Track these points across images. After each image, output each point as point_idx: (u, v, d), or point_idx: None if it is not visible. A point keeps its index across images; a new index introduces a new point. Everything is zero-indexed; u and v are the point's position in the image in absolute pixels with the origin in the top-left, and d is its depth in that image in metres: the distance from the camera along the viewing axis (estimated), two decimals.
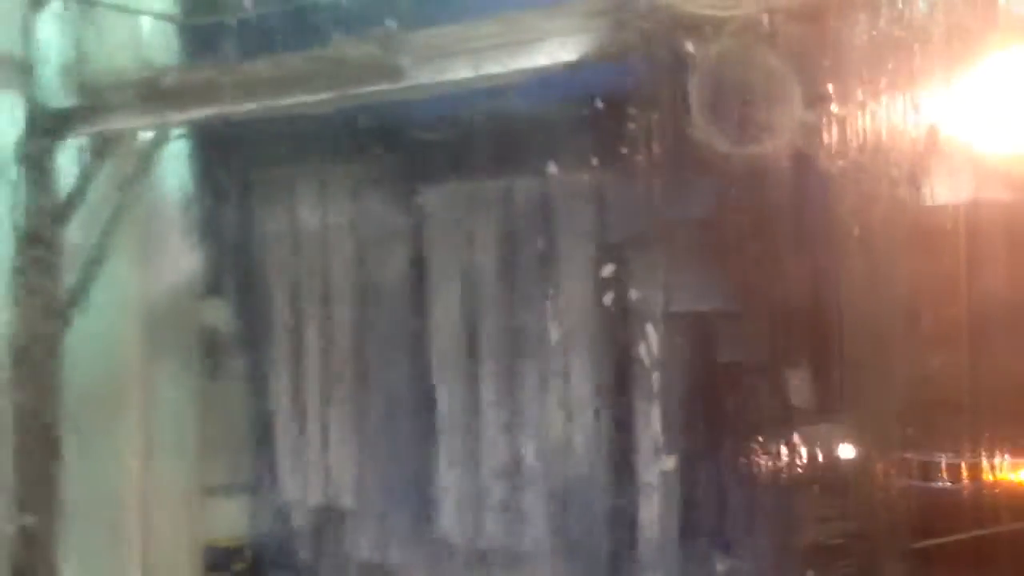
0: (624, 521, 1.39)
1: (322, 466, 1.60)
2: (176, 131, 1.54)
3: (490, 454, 1.46)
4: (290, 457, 1.62)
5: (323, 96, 1.31)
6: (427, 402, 1.50)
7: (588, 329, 1.37)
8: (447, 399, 1.48)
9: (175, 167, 1.59)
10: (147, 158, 1.54)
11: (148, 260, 1.58)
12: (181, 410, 1.62)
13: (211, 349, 1.64)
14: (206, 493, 1.64)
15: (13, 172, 1.48)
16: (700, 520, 1.36)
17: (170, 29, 1.54)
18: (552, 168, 1.36)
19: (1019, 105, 1.05)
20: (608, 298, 1.34)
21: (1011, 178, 1.10)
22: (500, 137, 1.36)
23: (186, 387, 1.63)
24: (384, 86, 1.27)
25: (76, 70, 1.47)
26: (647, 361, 1.31)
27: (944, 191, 1.12)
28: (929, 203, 1.14)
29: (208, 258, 1.61)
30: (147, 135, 1.53)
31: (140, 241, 1.58)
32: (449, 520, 1.48)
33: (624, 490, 1.39)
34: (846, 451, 1.25)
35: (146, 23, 1.52)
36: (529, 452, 1.43)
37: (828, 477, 1.25)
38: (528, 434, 1.43)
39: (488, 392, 1.46)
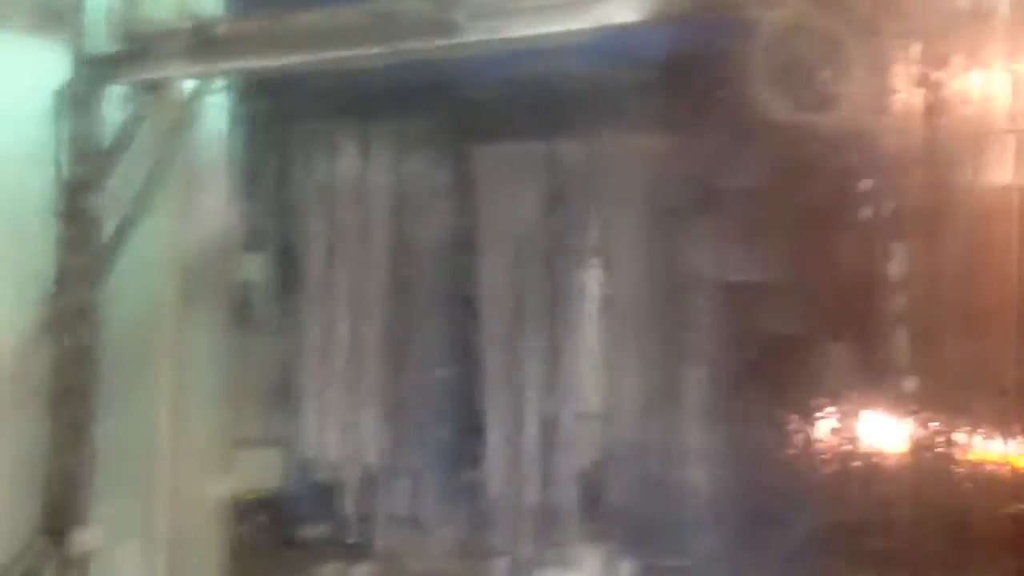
0: (667, 488, 1.39)
1: (353, 421, 1.61)
2: (221, 82, 1.54)
3: (529, 415, 1.46)
4: (321, 412, 1.62)
5: (374, 51, 1.30)
6: (464, 362, 1.50)
7: (636, 295, 1.37)
8: (486, 359, 1.48)
9: (218, 119, 1.58)
10: (191, 108, 1.54)
11: (187, 211, 1.58)
12: (214, 363, 1.62)
13: (247, 303, 1.64)
14: (236, 445, 1.64)
15: (58, 117, 1.48)
16: (743, 493, 1.35)
17: None
18: (605, 131, 1.35)
19: None
20: (658, 264, 1.34)
21: None
22: (553, 98, 1.35)
23: (220, 340, 1.63)
24: (437, 43, 1.26)
25: (123, 16, 1.46)
26: (697, 329, 1.31)
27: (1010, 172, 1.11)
28: (995, 183, 1.12)
29: (247, 212, 1.61)
30: (191, 85, 1.53)
31: (180, 192, 1.57)
32: (481, 478, 1.49)
33: (669, 457, 1.39)
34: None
35: None
36: (569, 415, 1.43)
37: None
38: (569, 397, 1.43)
39: (528, 354, 1.46)
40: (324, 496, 1.61)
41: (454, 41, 1.24)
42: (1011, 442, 1.12)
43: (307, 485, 1.63)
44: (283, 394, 1.64)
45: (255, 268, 1.64)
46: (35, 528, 1.51)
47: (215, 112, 1.56)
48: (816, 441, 1.27)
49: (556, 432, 1.46)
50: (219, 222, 1.60)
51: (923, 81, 1.10)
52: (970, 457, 1.13)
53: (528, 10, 1.22)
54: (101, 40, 1.47)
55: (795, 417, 1.26)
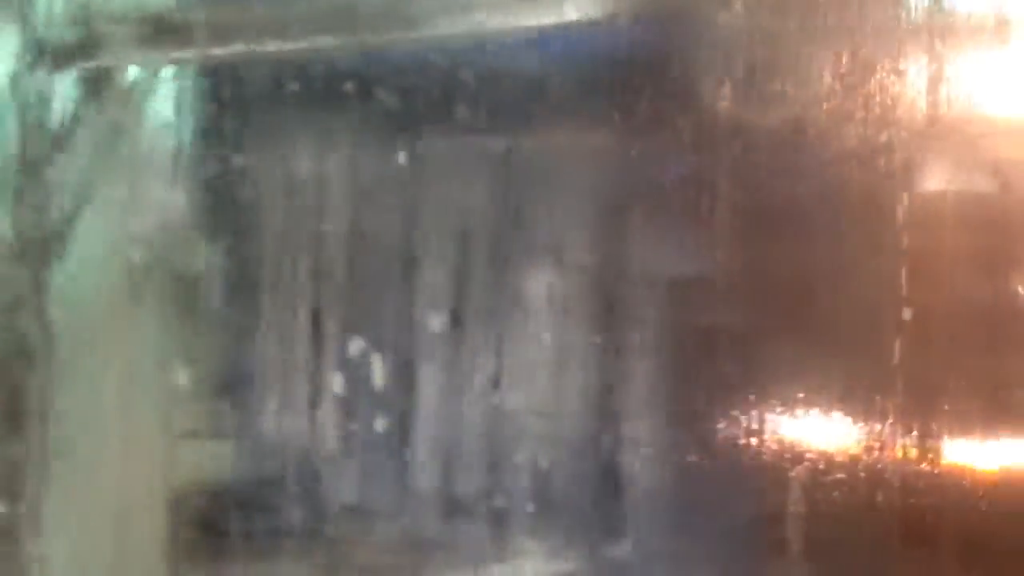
0: (602, 479, 1.41)
1: (302, 413, 1.61)
2: (172, 70, 1.53)
3: (473, 408, 1.47)
4: (270, 403, 1.62)
5: (332, 43, 1.31)
6: (414, 353, 1.51)
7: (580, 289, 1.38)
8: (435, 351, 1.48)
9: (168, 106, 1.58)
10: (141, 96, 1.53)
11: (136, 200, 1.57)
12: (163, 354, 1.61)
13: (195, 293, 1.63)
14: (185, 437, 1.64)
15: (6, 103, 1.47)
16: (684, 484, 1.38)
17: None
18: (555, 126, 1.36)
19: None
20: (602, 259, 1.36)
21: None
22: (506, 92, 1.36)
23: (168, 331, 1.63)
24: (396, 35, 1.27)
25: (75, 3, 1.45)
26: (637, 323, 1.32)
27: (949, 176, 1.14)
28: (936, 188, 1.16)
29: (196, 201, 1.60)
30: (143, 72, 1.52)
31: (129, 180, 1.57)
32: (429, 468, 1.49)
33: (605, 449, 1.41)
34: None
35: None
36: (512, 408, 1.44)
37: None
38: (512, 391, 1.45)
39: (473, 348, 1.47)
40: (273, 488, 1.61)
41: (413, 34, 1.26)
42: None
43: (255, 477, 1.63)
44: (232, 385, 1.64)
45: (204, 257, 1.63)
46: None
47: (167, 100, 1.55)
48: (764, 436, 1.29)
49: (504, 424, 1.47)
50: (169, 212, 1.59)
51: (869, 83, 1.13)
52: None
53: (486, 5, 1.24)
54: (53, 26, 1.46)
55: (742, 413, 1.28)
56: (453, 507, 1.47)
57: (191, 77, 1.52)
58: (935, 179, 1.15)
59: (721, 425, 1.24)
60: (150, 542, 1.58)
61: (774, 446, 1.22)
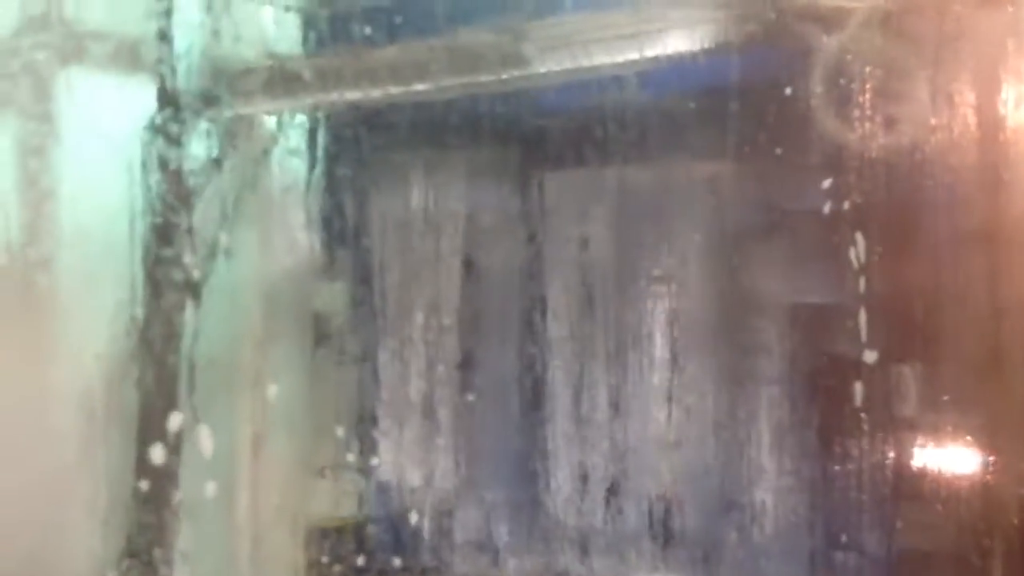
0: (734, 516, 1.40)
1: (430, 449, 1.64)
2: (301, 117, 1.59)
3: (600, 442, 1.48)
4: (399, 440, 1.65)
5: (449, 83, 1.34)
6: (539, 388, 1.52)
7: (704, 319, 1.38)
8: (559, 386, 1.50)
9: (298, 152, 1.64)
10: (271, 143, 1.59)
11: (267, 243, 1.63)
12: (294, 392, 1.66)
13: (325, 332, 1.68)
14: (316, 473, 1.68)
15: (144, 153, 1.54)
16: (817, 520, 1.36)
17: (296, 18, 1.59)
18: (672, 157, 1.37)
19: None
20: (726, 288, 1.36)
21: None
22: (620, 126, 1.38)
23: (300, 369, 1.67)
24: (508, 75, 1.30)
25: (207, 54, 1.52)
26: (765, 352, 1.32)
27: None
28: None
29: (325, 243, 1.65)
30: (271, 121, 1.58)
31: (261, 224, 1.63)
32: (558, 504, 1.51)
33: (738, 484, 1.40)
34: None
35: (272, 11, 1.57)
36: (640, 441, 1.45)
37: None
38: (640, 423, 1.45)
39: (601, 381, 1.48)
40: (402, 524, 1.64)
41: (525, 72, 1.28)
42: None
43: (385, 513, 1.66)
44: (362, 422, 1.68)
45: (335, 297, 1.68)
46: (121, 551, 1.56)
47: (295, 146, 1.61)
48: (891, 465, 1.27)
49: (628, 460, 1.47)
50: (300, 253, 1.65)
51: (976, 105, 1.11)
52: None
53: (594, 40, 1.26)
54: (186, 77, 1.53)
55: (868, 440, 1.26)
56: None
57: (320, 123, 1.58)
58: None
59: None
60: (283, 574, 1.62)
61: None
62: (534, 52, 1.29)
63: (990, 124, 1.10)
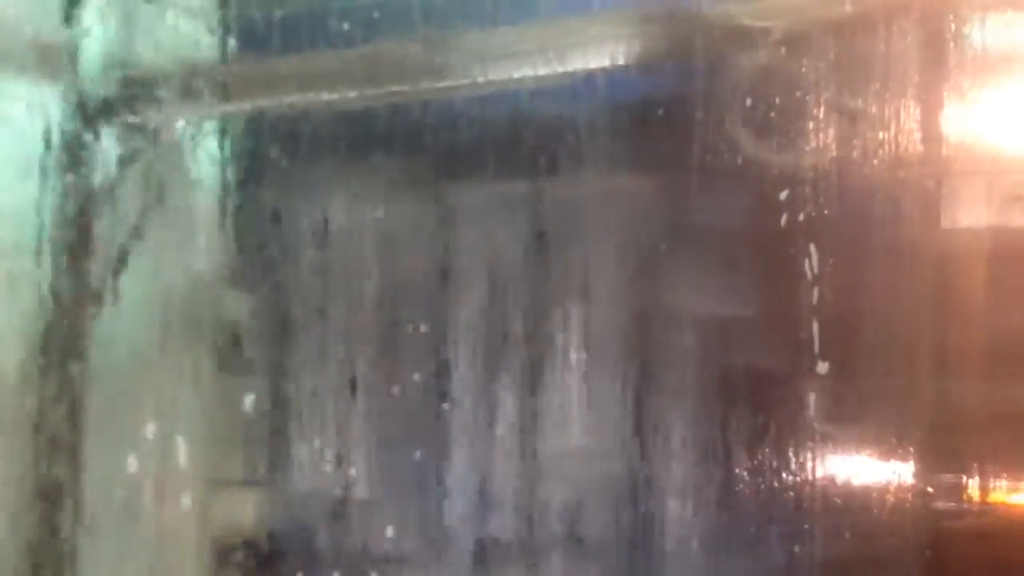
0: (636, 523, 1.42)
1: (336, 462, 1.62)
2: (211, 124, 1.57)
3: (506, 453, 1.48)
4: (304, 450, 1.64)
5: (365, 93, 1.34)
6: (445, 400, 1.52)
7: (613, 331, 1.40)
8: (465, 397, 1.50)
9: (207, 160, 1.61)
10: (181, 150, 1.57)
11: (175, 252, 1.60)
12: (200, 402, 1.64)
13: (233, 343, 1.66)
14: (219, 485, 1.65)
15: (50, 160, 1.50)
16: (711, 528, 1.38)
17: (208, 25, 1.57)
18: (587, 172, 1.39)
19: None
20: (634, 301, 1.37)
21: None
22: (535, 139, 1.39)
23: (204, 379, 1.65)
24: (424, 86, 1.30)
25: (118, 59, 1.49)
26: (670, 364, 1.34)
27: (965, 213, 1.16)
28: (948, 225, 1.18)
29: (235, 252, 1.63)
30: (182, 127, 1.56)
31: (168, 233, 1.60)
32: (465, 513, 1.50)
33: (639, 492, 1.41)
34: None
35: (184, 18, 1.55)
36: (546, 452, 1.45)
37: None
38: (546, 434, 1.46)
39: (507, 392, 1.49)
40: (307, 537, 1.63)
41: (442, 84, 1.29)
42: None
43: (290, 526, 1.64)
44: (269, 434, 1.65)
45: (244, 307, 1.66)
46: (16, 571, 1.52)
47: (205, 154, 1.59)
48: (796, 475, 1.30)
49: (538, 469, 1.48)
50: (208, 262, 1.62)
51: (885, 124, 1.15)
52: None
53: (513, 54, 1.27)
54: (96, 82, 1.50)
55: (775, 451, 1.29)
56: None
57: (231, 131, 1.56)
58: None
59: None
60: None
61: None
62: (451, 64, 1.29)
63: (903, 144, 1.14)
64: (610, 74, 1.21)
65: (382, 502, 1.60)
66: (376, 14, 1.36)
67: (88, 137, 1.48)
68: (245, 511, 1.66)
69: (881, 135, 1.19)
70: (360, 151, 1.50)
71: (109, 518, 1.54)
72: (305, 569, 1.64)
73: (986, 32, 1.16)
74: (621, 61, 1.20)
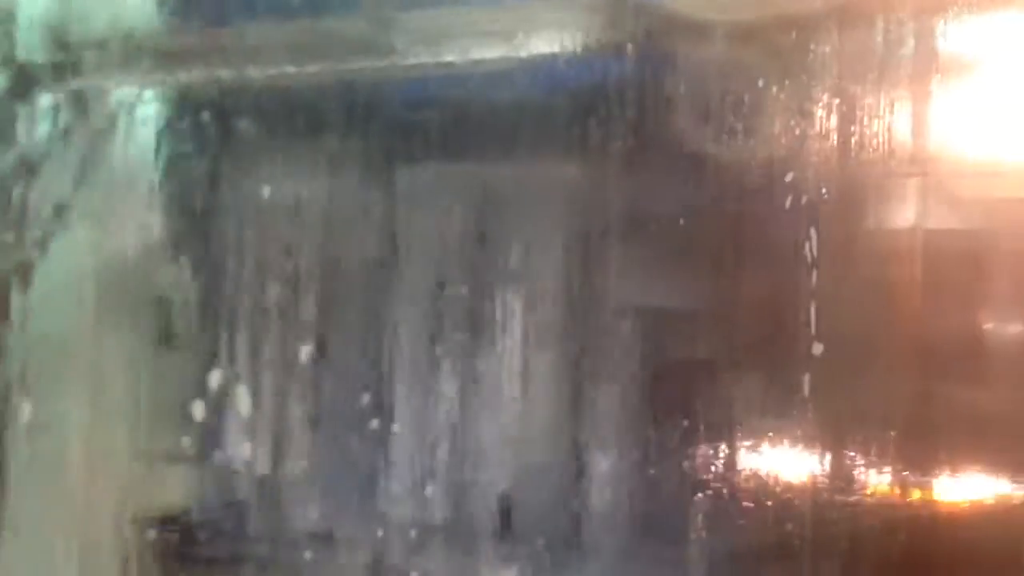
0: (570, 510, 1.43)
1: (268, 438, 1.61)
2: (148, 95, 1.54)
3: (444, 434, 1.48)
4: (236, 427, 1.62)
5: (310, 69, 1.33)
6: (384, 382, 1.51)
7: (552, 318, 1.40)
8: (407, 380, 1.49)
9: (145, 131, 1.59)
10: (117, 120, 1.54)
11: (110, 225, 1.57)
12: (132, 378, 1.61)
13: (167, 318, 1.63)
14: (149, 459, 1.63)
15: None
16: (643, 515, 1.39)
17: None
18: (531, 156, 1.39)
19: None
20: (574, 288, 1.38)
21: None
22: (481, 123, 1.39)
23: (135, 353, 1.63)
24: (373, 64, 1.29)
25: (55, 26, 1.46)
26: (608, 352, 1.34)
27: (914, 213, 1.17)
28: (898, 225, 1.19)
29: (172, 226, 1.61)
30: (120, 96, 1.53)
31: (102, 203, 1.57)
32: (398, 497, 1.50)
33: (573, 480, 1.42)
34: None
35: None
36: (484, 435, 1.46)
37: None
38: (484, 418, 1.46)
39: (446, 374, 1.48)
40: (237, 514, 1.61)
41: (391, 63, 1.28)
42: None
43: (221, 503, 1.62)
44: (202, 411, 1.64)
45: (180, 283, 1.64)
46: None
47: (144, 124, 1.56)
48: (727, 467, 1.31)
49: (471, 454, 1.48)
50: (144, 236, 1.60)
51: (834, 121, 1.16)
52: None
53: (462, 36, 1.26)
54: (30, 47, 1.47)
55: (707, 443, 1.30)
56: None
57: (171, 101, 1.54)
58: None
59: None
60: (112, 561, 1.58)
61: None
62: (401, 43, 1.28)
63: (846, 141, 1.15)
64: (556, 60, 1.21)
65: (311, 479, 1.59)
66: None
67: (21, 106, 1.45)
68: (172, 487, 1.64)
69: (816, 130, 1.21)
70: (300, 127, 1.48)
71: (32, 493, 1.52)
72: (231, 545, 1.63)
73: (917, 33, 1.18)
74: (568, 48, 1.20)
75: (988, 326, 1.16)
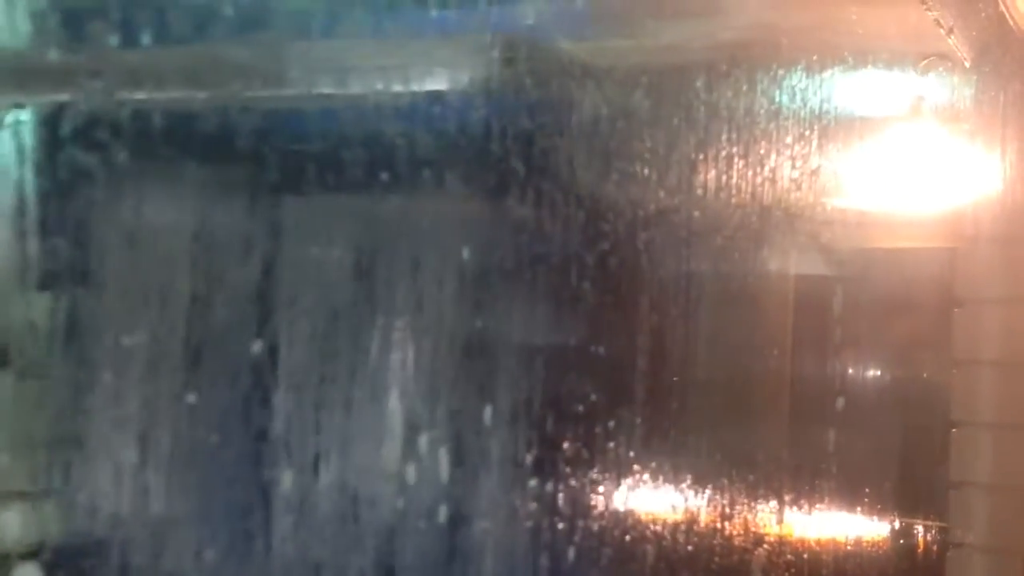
0: (451, 540, 1.42)
1: (136, 475, 1.56)
2: (22, 114, 1.48)
3: (323, 472, 1.45)
4: (103, 465, 1.56)
5: (192, 94, 1.29)
6: (261, 418, 1.48)
7: (439, 353, 1.39)
8: (282, 413, 1.46)
9: (10, 154, 1.52)
10: None
11: None
12: None
13: (29, 347, 1.57)
14: (10, 498, 1.56)
15: None
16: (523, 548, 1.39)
17: (30, 11, 1.48)
18: (419, 192, 1.38)
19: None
20: (459, 325, 1.37)
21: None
22: (371, 156, 1.37)
23: None
24: (262, 93, 1.27)
25: None
26: (496, 390, 1.34)
27: (793, 259, 1.21)
28: (778, 270, 1.23)
29: (36, 251, 1.54)
30: None
31: None
32: (275, 537, 1.46)
33: (453, 514, 1.41)
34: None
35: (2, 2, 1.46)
36: (365, 472, 1.43)
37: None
38: (365, 456, 1.44)
39: (325, 411, 1.46)
40: (101, 552, 1.55)
41: (281, 92, 1.26)
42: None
43: (83, 540, 1.56)
44: (61, 444, 1.57)
45: (43, 311, 1.57)
46: None
47: (13, 144, 1.50)
48: (607, 505, 1.32)
49: (350, 493, 1.46)
50: (4, 262, 1.53)
51: (722, 167, 1.19)
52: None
53: (356, 69, 1.25)
54: None
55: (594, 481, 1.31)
56: None
57: (38, 123, 1.48)
58: None
59: None
60: None
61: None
62: (293, 72, 1.26)
63: (738, 185, 1.17)
64: (449, 98, 1.21)
65: (180, 517, 1.54)
66: (211, 13, 1.31)
67: None
68: (31, 524, 1.57)
69: (702, 178, 1.23)
70: (179, 153, 1.45)
71: None
72: None
73: (806, 82, 1.21)
74: (462, 86, 1.20)
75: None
